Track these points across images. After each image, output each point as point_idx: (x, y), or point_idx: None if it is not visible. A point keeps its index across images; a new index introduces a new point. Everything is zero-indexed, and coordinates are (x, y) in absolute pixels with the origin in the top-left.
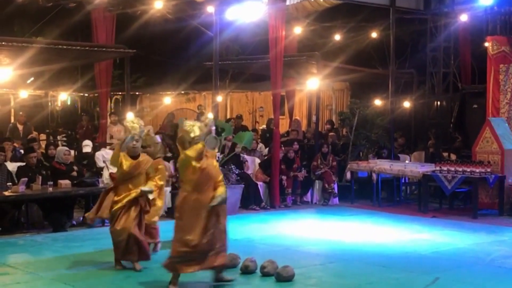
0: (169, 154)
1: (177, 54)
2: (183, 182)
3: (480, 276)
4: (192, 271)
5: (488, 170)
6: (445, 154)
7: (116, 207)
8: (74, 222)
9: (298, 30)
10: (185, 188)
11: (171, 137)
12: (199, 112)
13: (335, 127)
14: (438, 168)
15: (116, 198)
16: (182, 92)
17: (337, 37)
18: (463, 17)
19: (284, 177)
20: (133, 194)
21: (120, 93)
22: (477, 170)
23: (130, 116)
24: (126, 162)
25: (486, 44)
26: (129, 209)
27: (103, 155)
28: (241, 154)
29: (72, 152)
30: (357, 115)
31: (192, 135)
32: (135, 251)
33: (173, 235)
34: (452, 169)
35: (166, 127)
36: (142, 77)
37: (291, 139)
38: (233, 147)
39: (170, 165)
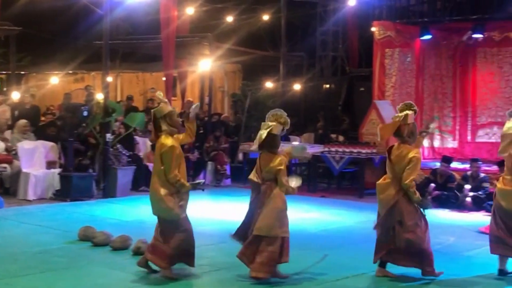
0: None
1: (65, 32)
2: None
3: (367, 253)
4: None
5: (374, 151)
6: (334, 136)
7: None
8: None
9: (190, 10)
10: None
11: (64, 118)
12: (88, 93)
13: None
14: (326, 149)
15: None
16: (70, 72)
17: (230, 18)
18: (351, 2)
19: None
20: None
21: (4, 72)
22: (364, 151)
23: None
24: None
25: (373, 29)
26: None
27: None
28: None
29: None
30: (249, 97)
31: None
32: None
33: None
34: (340, 150)
35: (60, 108)
36: (28, 56)
37: (183, 121)
38: (125, 128)
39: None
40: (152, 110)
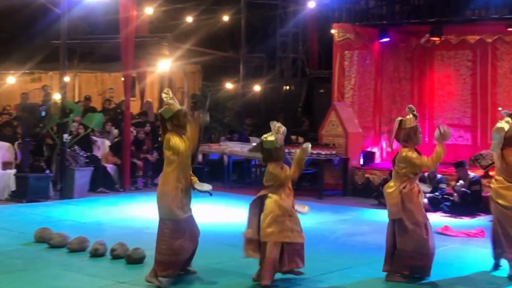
0: None
1: (22, 31)
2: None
3: (326, 253)
4: None
5: (333, 152)
6: (293, 137)
7: None
8: None
9: (149, 10)
10: None
11: (21, 118)
12: (45, 93)
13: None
14: (286, 150)
15: None
16: (27, 71)
17: (189, 19)
18: (311, 4)
19: (135, 160)
20: None
21: None
22: (323, 153)
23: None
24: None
25: (332, 31)
26: None
27: None
28: (91, 136)
29: None
30: (209, 98)
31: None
32: None
33: None
34: None
35: (17, 108)
36: None
37: (142, 121)
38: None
39: (16, 147)
40: (159, 111)
